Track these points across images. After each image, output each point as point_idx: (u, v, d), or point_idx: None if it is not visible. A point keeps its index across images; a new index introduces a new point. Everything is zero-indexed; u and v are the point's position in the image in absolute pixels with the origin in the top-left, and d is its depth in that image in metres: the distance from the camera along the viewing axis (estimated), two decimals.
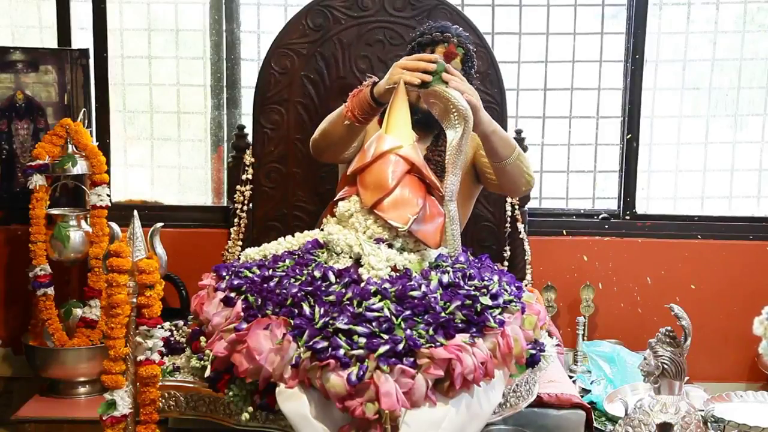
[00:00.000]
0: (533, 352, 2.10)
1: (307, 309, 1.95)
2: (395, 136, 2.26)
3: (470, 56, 2.60)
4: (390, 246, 2.17)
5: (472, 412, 1.92)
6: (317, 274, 2.07)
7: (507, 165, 2.48)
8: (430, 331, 1.91)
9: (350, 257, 2.14)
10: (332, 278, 2.06)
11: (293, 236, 2.35)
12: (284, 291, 2.02)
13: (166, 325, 2.17)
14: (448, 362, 1.87)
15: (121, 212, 3.03)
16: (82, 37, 3.47)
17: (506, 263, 3.16)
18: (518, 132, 3.16)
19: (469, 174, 2.68)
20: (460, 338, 1.92)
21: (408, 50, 2.61)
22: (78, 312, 3.17)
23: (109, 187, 3.20)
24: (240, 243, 3.17)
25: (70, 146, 3.13)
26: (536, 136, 3.50)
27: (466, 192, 2.68)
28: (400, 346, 1.86)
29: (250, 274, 2.13)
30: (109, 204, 3.17)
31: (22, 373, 3.39)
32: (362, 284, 2.02)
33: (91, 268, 3.15)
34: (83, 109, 3.31)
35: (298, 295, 1.99)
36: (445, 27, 2.61)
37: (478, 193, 2.80)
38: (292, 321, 1.93)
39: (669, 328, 2.39)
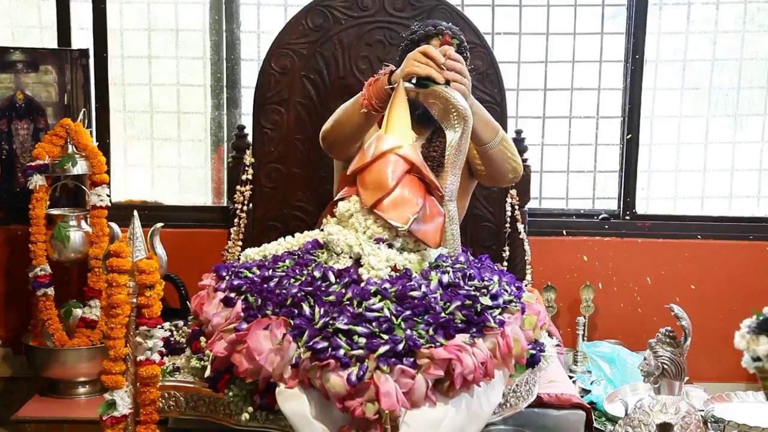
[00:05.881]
0: (533, 352, 2.10)
1: (307, 309, 1.95)
2: (395, 136, 2.25)
3: (464, 48, 2.60)
4: (390, 246, 2.17)
5: (472, 412, 1.92)
6: (317, 274, 2.06)
7: (490, 149, 2.47)
8: (430, 331, 1.91)
9: (350, 257, 2.14)
10: (332, 278, 2.05)
11: (293, 236, 2.35)
12: (284, 291, 2.01)
13: (166, 325, 2.17)
14: (448, 362, 1.87)
15: (121, 212, 3.03)
16: (82, 37, 3.47)
17: (506, 263, 3.15)
18: (518, 132, 3.16)
19: (464, 168, 2.67)
20: (460, 338, 1.91)
21: (401, 49, 2.59)
22: (78, 312, 3.18)
23: (109, 187, 3.21)
24: (240, 243, 3.16)
25: (70, 146, 3.14)
26: (536, 136, 3.50)
27: (462, 186, 2.67)
28: (400, 346, 1.86)
29: (250, 275, 2.13)
30: (109, 204, 3.17)
31: (22, 373, 3.39)
32: (362, 284, 2.02)
33: (91, 268, 3.15)
34: (83, 109, 3.31)
35: (298, 295, 1.99)
36: (437, 22, 2.63)
37: (473, 187, 2.78)
38: (292, 321, 1.93)
39: (669, 328, 2.38)
